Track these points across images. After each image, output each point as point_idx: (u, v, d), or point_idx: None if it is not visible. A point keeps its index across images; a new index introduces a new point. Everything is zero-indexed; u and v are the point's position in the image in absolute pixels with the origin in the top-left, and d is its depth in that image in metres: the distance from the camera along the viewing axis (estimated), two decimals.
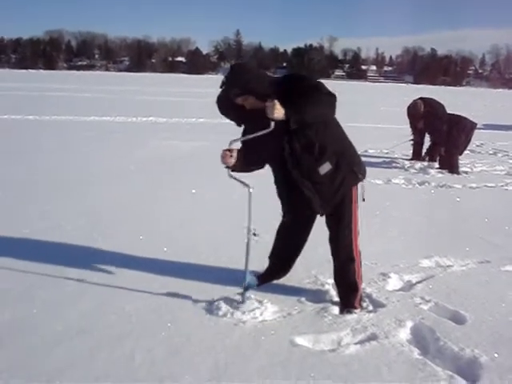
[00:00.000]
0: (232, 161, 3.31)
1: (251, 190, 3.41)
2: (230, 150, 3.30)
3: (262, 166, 3.56)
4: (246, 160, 3.39)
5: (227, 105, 3.30)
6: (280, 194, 3.62)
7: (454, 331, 3.26)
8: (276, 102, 3.02)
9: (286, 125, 3.08)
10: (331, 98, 3.15)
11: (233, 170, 3.40)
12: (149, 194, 6.64)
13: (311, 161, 3.25)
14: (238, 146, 3.38)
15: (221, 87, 3.23)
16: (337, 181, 3.30)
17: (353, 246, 3.47)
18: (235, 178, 3.42)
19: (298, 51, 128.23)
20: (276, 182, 3.58)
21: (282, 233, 3.79)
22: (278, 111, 3.02)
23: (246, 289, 3.53)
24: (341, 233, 3.46)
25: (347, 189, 3.36)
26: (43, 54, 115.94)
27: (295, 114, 3.05)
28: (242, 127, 3.48)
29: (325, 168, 3.25)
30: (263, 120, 3.09)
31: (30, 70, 77.01)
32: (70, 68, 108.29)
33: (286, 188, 3.51)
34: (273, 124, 3.09)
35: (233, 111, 3.34)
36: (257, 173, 3.53)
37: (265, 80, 3.24)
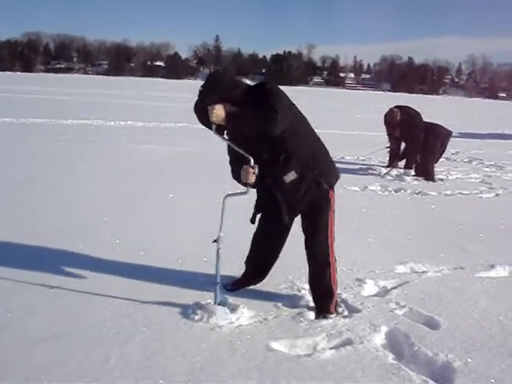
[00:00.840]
0: (254, 178, 3.24)
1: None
2: (252, 167, 3.21)
3: None
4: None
5: (205, 112, 3.29)
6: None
7: (428, 336, 3.30)
8: (216, 106, 3.05)
9: (261, 135, 3.12)
10: (277, 115, 3.05)
11: (252, 187, 3.34)
12: (126, 198, 6.59)
13: (277, 169, 3.27)
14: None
15: (199, 95, 3.24)
16: (301, 190, 3.31)
17: (329, 252, 3.49)
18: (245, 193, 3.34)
19: (276, 58, 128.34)
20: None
21: (258, 239, 3.80)
22: (217, 116, 3.06)
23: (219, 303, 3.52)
24: (317, 238, 3.48)
25: (316, 197, 3.38)
26: (21, 56, 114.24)
27: (233, 124, 3.09)
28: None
29: (290, 177, 3.27)
30: (240, 127, 3.12)
31: (7, 72, 75.70)
32: (48, 71, 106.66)
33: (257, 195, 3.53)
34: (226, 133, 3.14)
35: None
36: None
37: (240, 87, 3.27)
